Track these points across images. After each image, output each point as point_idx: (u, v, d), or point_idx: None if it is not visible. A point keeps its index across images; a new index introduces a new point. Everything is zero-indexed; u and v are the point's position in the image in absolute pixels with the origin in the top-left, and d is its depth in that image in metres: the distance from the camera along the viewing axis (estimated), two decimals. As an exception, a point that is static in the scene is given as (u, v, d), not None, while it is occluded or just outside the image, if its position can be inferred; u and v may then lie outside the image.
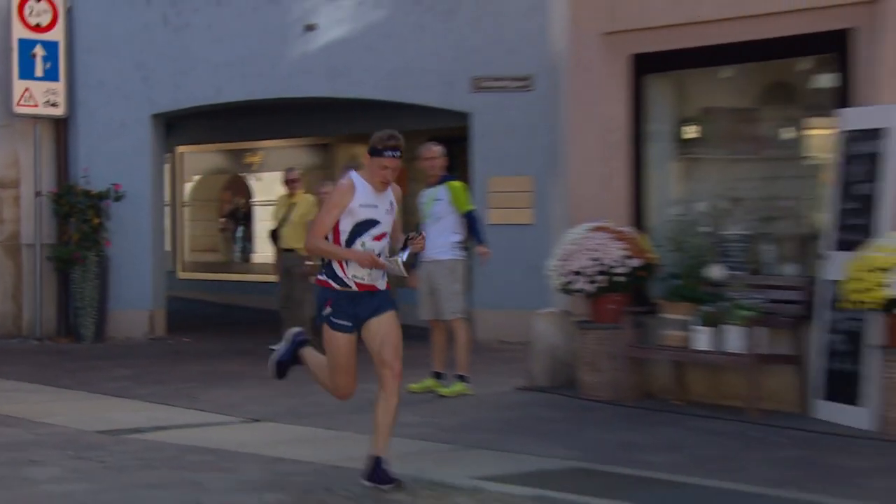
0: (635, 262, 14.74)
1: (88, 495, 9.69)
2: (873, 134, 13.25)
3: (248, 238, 29.05)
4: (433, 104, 22.21)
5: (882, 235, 12.74)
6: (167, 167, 27.70)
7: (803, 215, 15.31)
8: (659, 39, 15.20)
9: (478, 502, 9.50)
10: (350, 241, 9.12)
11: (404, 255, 9.07)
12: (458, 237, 15.36)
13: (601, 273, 14.62)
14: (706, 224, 15.57)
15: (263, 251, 27.46)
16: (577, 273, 14.71)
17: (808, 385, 13.85)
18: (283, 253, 20.54)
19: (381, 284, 9.18)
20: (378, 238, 9.18)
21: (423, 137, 18.41)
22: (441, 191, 15.37)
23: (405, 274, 9.59)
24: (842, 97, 14.01)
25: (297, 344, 9.88)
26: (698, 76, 15.82)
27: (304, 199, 20.33)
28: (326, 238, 9.19)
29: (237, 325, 24.15)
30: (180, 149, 31.07)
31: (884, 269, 12.20)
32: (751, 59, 15.12)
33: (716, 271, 14.70)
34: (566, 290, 14.99)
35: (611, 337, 14.90)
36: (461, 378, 15.32)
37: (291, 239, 19.93)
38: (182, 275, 31.75)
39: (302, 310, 19.82)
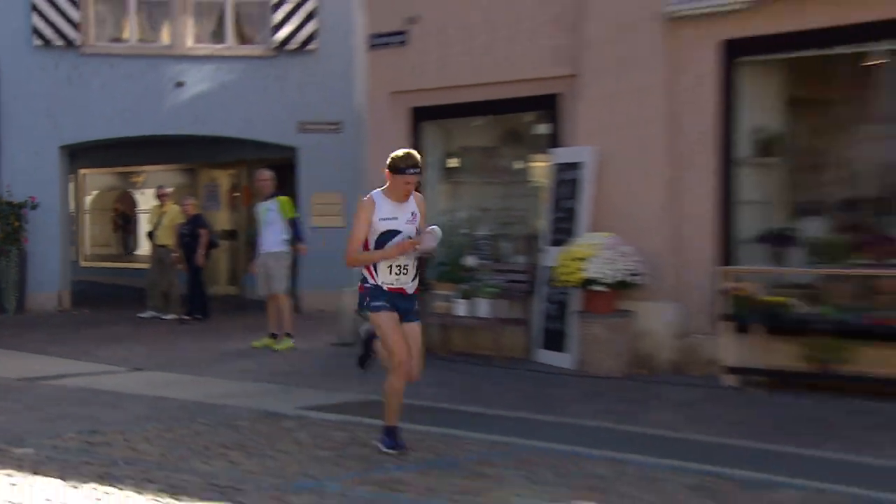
0: None
1: (10, 424, 9.89)
2: (574, 166, 13.80)
3: (132, 237, 29.01)
4: (271, 141, 22.42)
5: (580, 236, 13.27)
6: (72, 184, 27.28)
7: (529, 222, 15.43)
8: (430, 97, 15.53)
9: (300, 425, 9.82)
10: None
11: (437, 231, 8.12)
12: (285, 236, 15.57)
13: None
14: (464, 227, 15.91)
15: (143, 246, 27.06)
16: None
17: (532, 339, 14.17)
18: (156, 248, 20.96)
19: (410, 288, 8.20)
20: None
21: (262, 164, 18.74)
22: (272, 203, 15.58)
23: (434, 245, 8.24)
24: (553, 140, 14.44)
25: (368, 341, 8.75)
26: (458, 124, 16.02)
27: (172, 209, 20.88)
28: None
29: (124, 300, 23.80)
30: (82, 171, 30.54)
31: (581, 259, 12.76)
32: (494, 113, 15.55)
33: (470, 260, 15.03)
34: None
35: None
36: (288, 335, 15.58)
37: (162, 237, 20.74)
38: (84, 263, 31.27)
39: (170, 289, 20.66)
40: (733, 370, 12.16)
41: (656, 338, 13.26)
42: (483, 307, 14.50)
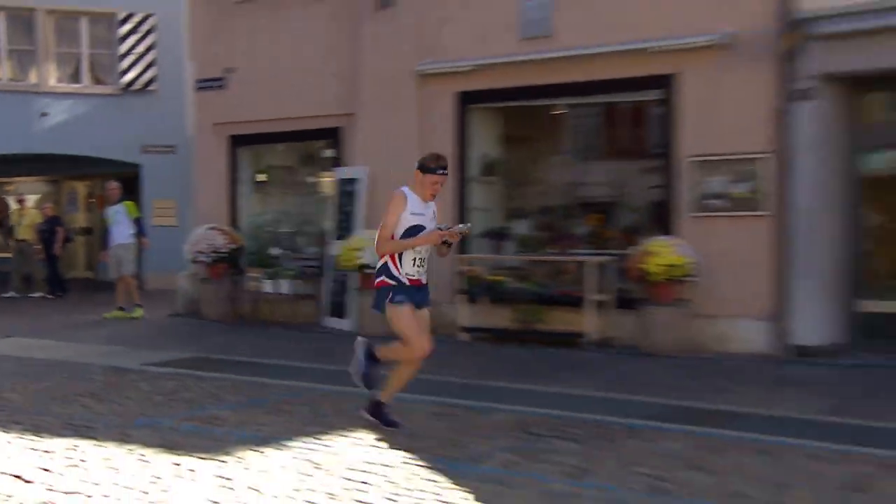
0: (232, 246, 14.77)
1: None
2: (352, 181, 13.91)
3: (6, 233, 28.34)
4: (119, 159, 21.87)
5: (357, 233, 13.37)
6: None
7: (319, 222, 15.06)
8: (243, 128, 15.40)
9: (141, 377, 9.59)
10: None
11: (468, 224, 7.20)
12: (131, 232, 15.29)
13: (213, 252, 14.61)
14: (269, 226, 15.87)
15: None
16: (201, 252, 14.67)
17: (321, 309, 14.15)
18: (18, 242, 20.72)
19: (424, 279, 6.97)
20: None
21: (112, 177, 18.17)
22: (120, 206, 15.37)
23: (467, 231, 7.20)
24: (337, 161, 14.46)
25: (367, 353, 7.22)
26: (265, 148, 15.84)
27: (30, 212, 21.39)
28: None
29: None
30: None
31: (358, 249, 12.85)
32: (292, 140, 15.42)
33: (274, 251, 15.25)
34: (194, 261, 14.85)
35: (217, 286, 14.84)
36: (139, 306, 15.37)
37: (23, 233, 20.65)
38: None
39: (33, 274, 20.51)
40: (466, 329, 12.48)
41: None
42: (284, 285, 14.62)
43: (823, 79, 10.98)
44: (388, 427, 7.08)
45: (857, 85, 11.27)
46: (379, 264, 6.97)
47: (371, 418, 7.20)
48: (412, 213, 6.78)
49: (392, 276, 6.83)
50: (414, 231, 6.78)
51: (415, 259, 6.86)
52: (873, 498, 5.64)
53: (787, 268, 11.20)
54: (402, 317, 6.74)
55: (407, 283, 6.81)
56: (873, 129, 11.51)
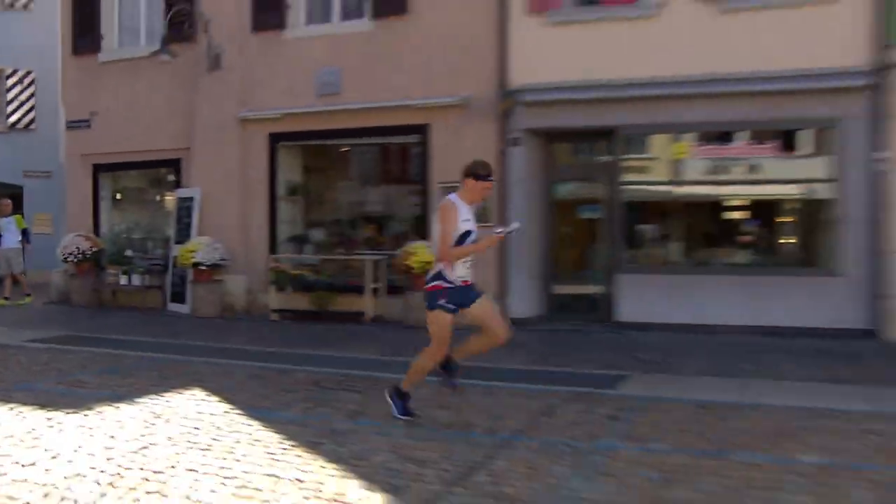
0: (95, 249, 14.25)
1: None
2: (189, 199, 13.51)
3: None
4: (9, 182, 20.05)
5: (192, 238, 13.04)
6: None
7: (164, 230, 14.49)
8: (104, 158, 14.78)
9: (21, 351, 9.13)
10: None
11: (515, 224, 5.98)
12: (19, 238, 14.58)
13: (80, 253, 14.06)
14: (125, 233, 15.22)
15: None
16: (70, 253, 14.07)
17: (165, 297, 13.73)
18: None
19: (471, 279, 5.65)
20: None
21: (3, 195, 16.85)
22: (11, 219, 14.61)
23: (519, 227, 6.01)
24: (178, 184, 13.97)
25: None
26: (122, 173, 15.09)
27: None
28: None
29: None
30: None
31: (193, 251, 12.60)
32: (144, 168, 14.79)
33: (129, 252, 14.60)
34: (65, 260, 14.15)
35: (84, 280, 14.28)
36: (28, 295, 14.60)
37: None
38: None
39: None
40: (276, 311, 12.33)
41: (235, 295, 13.12)
42: (136, 279, 14.03)
43: (527, 132, 11.43)
44: (405, 416, 5.87)
45: (549, 137, 11.77)
46: (433, 271, 5.66)
47: (401, 416, 5.90)
48: (462, 220, 5.57)
49: (447, 280, 5.56)
50: (466, 237, 5.56)
51: (465, 262, 5.67)
52: (557, 420, 5.94)
53: (506, 263, 11.56)
54: (445, 324, 5.57)
55: (460, 284, 5.59)
56: (560, 169, 12.00)
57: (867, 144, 10.10)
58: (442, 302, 5.54)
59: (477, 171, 5.66)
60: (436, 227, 5.58)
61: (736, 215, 11.22)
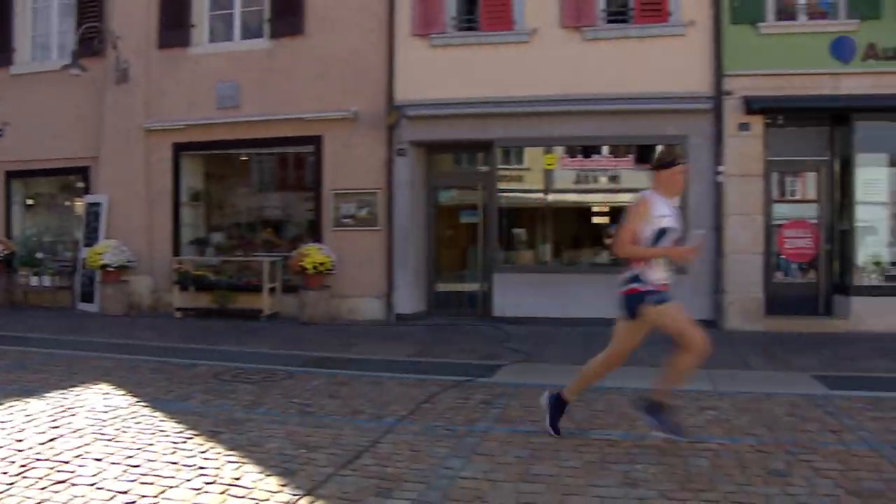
0: (7, 252, 14.03)
1: None
2: (97, 204, 13.45)
3: None
4: None
5: (100, 241, 13.00)
6: None
7: (74, 233, 14.33)
8: (14, 165, 14.49)
9: None
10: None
11: (701, 233, 5.56)
12: None
13: None
14: (36, 236, 14.94)
15: None
16: None
17: (75, 297, 13.61)
18: None
19: (670, 282, 4.90)
20: (675, 243, 5.00)
21: None
22: None
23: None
24: (87, 189, 13.79)
25: (553, 404, 5.37)
26: (34, 180, 14.80)
27: None
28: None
29: None
30: None
31: (101, 253, 12.61)
32: (54, 175, 14.46)
33: (39, 254, 14.31)
34: None
35: None
36: None
37: None
38: None
39: None
40: (179, 309, 12.42)
41: (141, 294, 13.18)
42: (47, 280, 13.96)
43: (412, 144, 11.94)
44: (668, 432, 5.08)
45: (432, 148, 12.31)
46: (630, 273, 4.98)
47: (660, 430, 5.12)
48: (659, 216, 4.89)
49: (644, 283, 4.91)
50: (664, 233, 4.92)
51: (664, 264, 4.97)
52: (437, 406, 6.09)
53: (392, 264, 12.01)
54: (671, 314, 4.85)
55: (660, 287, 4.93)
56: (440, 177, 12.56)
57: (710, 160, 11.00)
58: (652, 300, 4.86)
59: (662, 160, 4.99)
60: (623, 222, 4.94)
61: (599, 220, 11.73)
